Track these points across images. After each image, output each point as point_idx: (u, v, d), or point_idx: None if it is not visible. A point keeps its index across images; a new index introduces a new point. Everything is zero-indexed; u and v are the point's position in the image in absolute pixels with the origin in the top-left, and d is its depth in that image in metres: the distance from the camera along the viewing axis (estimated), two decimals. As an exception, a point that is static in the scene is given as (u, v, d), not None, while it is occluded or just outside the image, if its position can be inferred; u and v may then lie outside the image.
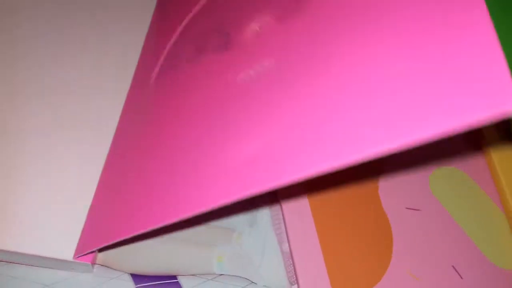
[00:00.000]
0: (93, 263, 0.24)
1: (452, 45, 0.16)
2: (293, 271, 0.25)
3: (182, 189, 0.21)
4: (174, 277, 0.25)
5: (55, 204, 0.24)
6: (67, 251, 0.23)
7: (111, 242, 0.22)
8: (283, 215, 0.26)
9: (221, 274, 0.25)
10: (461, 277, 0.25)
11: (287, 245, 0.26)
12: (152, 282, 0.25)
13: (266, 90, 0.21)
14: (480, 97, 0.14)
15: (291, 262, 0.25)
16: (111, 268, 0.25)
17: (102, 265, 0.25)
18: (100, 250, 0.25)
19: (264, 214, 0.27)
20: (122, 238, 0.22)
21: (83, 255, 0.23)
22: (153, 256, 0.25)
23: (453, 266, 0.25)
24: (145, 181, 0.23)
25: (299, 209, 0.26)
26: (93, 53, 0.29)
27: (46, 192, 0.24)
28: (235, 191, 0.19)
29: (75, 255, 0.23)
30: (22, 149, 0.25)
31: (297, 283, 0.24)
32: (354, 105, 0.17)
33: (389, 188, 0.27)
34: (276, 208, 0.27)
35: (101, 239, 0.23)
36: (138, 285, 0.25)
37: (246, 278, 0.25)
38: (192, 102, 0.25)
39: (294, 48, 0.22)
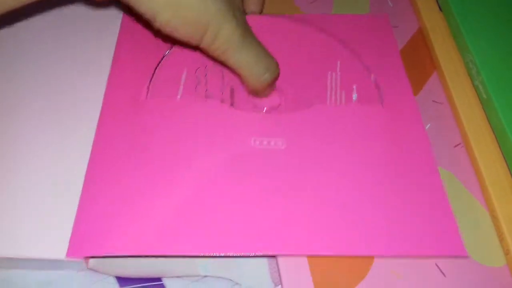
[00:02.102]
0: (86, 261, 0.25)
1: None
2: (277, 271, 0.25)
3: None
4: (159, 279, 0.25)
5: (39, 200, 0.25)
6: (58, 251, 0.24)
7: (116, 254, 0.24)
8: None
9: (206, 276, 0.25)
10: (444, 275, 0.25)
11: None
12: (137, 284, 0.25)
13: None
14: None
15: (275, 262, 0.25)
16: (97, 272, 0.25)
17: (88, 269, 0.25)
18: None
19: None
20: (129, 254, 0.24)
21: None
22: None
23: (436, 264, 0.25)
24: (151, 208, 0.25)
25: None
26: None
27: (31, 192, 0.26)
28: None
29: (68, 254, 0.23)
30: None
31: (281, 283, 0.24)
32: None
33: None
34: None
35: (102, 248, 0.23)
36: (124, 288, 0.25)
37: (230, 280, 0.25)
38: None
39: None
